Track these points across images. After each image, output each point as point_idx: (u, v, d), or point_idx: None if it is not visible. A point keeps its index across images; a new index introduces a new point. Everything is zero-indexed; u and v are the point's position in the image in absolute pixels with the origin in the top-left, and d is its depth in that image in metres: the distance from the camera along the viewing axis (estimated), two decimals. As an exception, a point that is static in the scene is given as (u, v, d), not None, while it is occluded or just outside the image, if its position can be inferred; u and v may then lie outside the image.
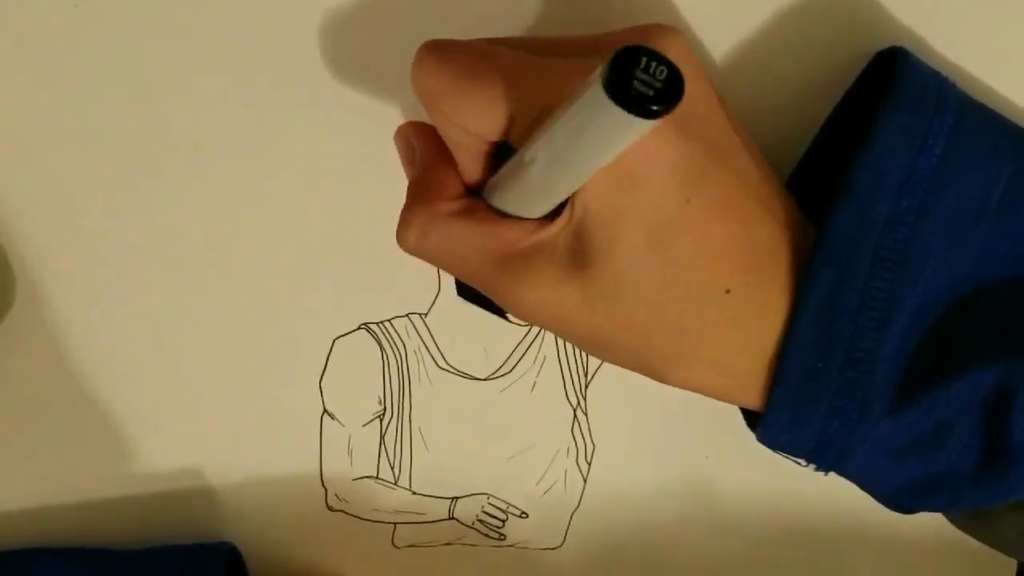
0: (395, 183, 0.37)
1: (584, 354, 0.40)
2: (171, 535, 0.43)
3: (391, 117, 0.36)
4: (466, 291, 0.39)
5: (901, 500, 0.34)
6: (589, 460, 0.42)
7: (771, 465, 0.41)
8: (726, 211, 0.30)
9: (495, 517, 0.43)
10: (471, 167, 0.31)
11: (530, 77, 0.29)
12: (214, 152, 0.37)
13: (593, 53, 0.30)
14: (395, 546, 0.43)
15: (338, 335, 0.40)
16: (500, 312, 0.39)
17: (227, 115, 0.36)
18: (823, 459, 0.33)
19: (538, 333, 0.40)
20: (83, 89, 0.36)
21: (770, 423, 0.32)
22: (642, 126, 0.24)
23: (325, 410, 0.41)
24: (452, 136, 0.31)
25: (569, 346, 0.40)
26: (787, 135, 0.35)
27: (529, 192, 0.29)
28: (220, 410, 0.41)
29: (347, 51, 0.36)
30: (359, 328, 0.40)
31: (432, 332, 0.40)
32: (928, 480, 0.33)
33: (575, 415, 0.41)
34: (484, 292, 0.32)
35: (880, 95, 0.32)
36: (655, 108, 0.23)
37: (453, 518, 0.43)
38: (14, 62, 0.35)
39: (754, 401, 0.32)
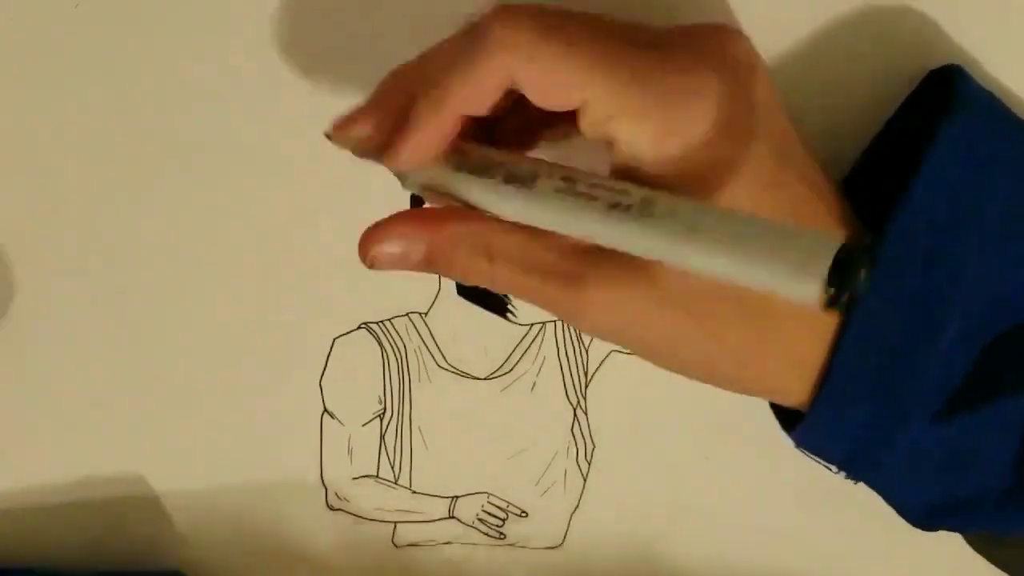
0: (397, 182, 0.37)
1: (584, 353, 0.40)
2: (170, 535, 0.43)
3: (391, 117, 0.36)
4: (466, 290, 0.39)
5: (924, 517, 0.34)
6: (589, 460, 0.42)
7: (770, 467, 0.41)
8: (796, 212, 0.30)
9: (495, 516, 0.43)
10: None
11: (614, 65, 0.28)
12: (214, 152, 0.37)
13: (664, 45, 0.30)
14: (395, 546, 0.43)
15: (338, 334, 0.40)
16: (500, 311, 0.39)
17: (227, 115, 0.36)
18: (855, 466, 0.33)
19: (538, 332, 0.40)
20: (83, 89, 0.36)
21: (811, 426, 0.32)
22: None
23: (325, 409, 0.41)
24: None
25: (569, 345, 0.40)
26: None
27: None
28: (220, 409, 0.41)
29: (349, 51, 0.36)
30: (359, 327, 0.40)
31: (432, 331, 0.40)
32: (955, 500, 0.33)
33: (575, 414, 0.41)
34: (546, 308, 0.31)
35: (936, 110, 0.32)
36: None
37: (453, 517, 0.43)
38: (14, 62, 0.35)
39: (801, 398, 0.32)
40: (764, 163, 0.29)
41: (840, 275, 0.24)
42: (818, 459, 0.34)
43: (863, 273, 0.24)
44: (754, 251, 0.25)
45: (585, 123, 0.29)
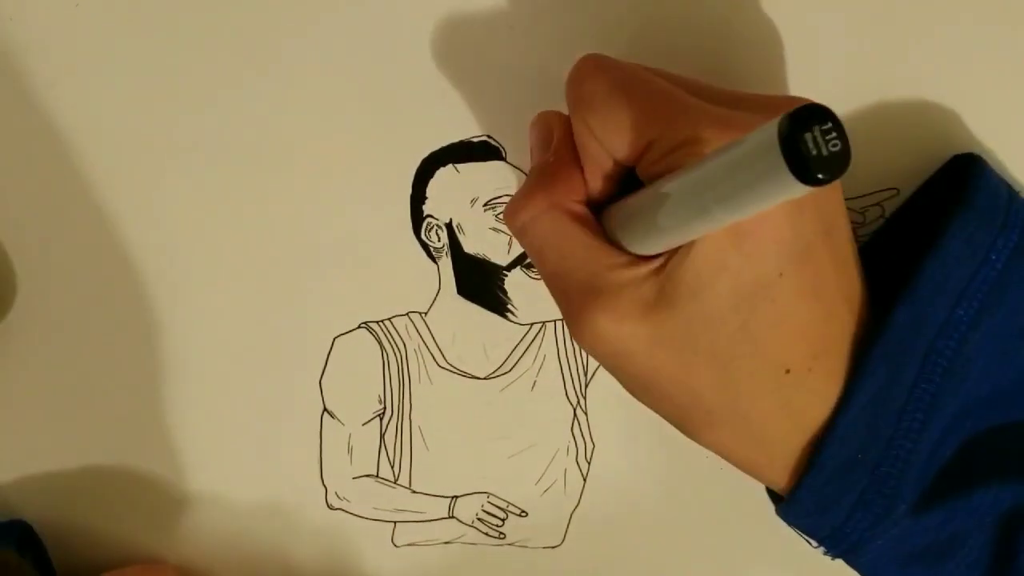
0: (396, 182, 0.38)
1: (584, 353, 0.40)
2: (169, 533, 0.43)
3: (392, 117, 0.36)
4: (466, 290, 0.39)
5: None
6: (589, 459, 0.42)
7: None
8: (814, 296, 0.30)
9: (495, 516, 0.43)
10: (595, 184, 0.32)
11: (677, 111, 0.29)
12: (215, 152, 0.37)
13: (742, 107, 0.30)
14: (395, 545, 0.43)
15: (338, 334, 0.40)
16: (500, 311, 0.39)
17: (227, 115, 0.36)
18: (837, 546, 0.33)
19: (538, 332, 0.40)
20: (83, 89, 0.36)
21: (796, 503, 0.32)
22: (799, 190, 0.23)
23: (325, 409, 0.41)
24: (588, 148, 0.31)
25: (569, 345, 0.40)
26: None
27: (656, 229, 0.29)
28: (220, 409, 0.41)
29: (349, 51, 0.36)
30: (359, 327, 0.40)
31: (432, 331, 0.40)
32: None
33: (575, 414, 0.41)
34: (558, 300, 0.32)
35: (952, 199, 0.32)
36: (821, 176, 0.22)
37: (453, 517, 0.43)
38: (14, 62, 0.35)
39: (779, 480, 0.33)
40: (803, 235, 0.29)
41: (792, 140, 0.22)
42: (801, 534, 0.34)
43: (816, 130, 0.22)
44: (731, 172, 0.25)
45: (648, 161, 0.30)
